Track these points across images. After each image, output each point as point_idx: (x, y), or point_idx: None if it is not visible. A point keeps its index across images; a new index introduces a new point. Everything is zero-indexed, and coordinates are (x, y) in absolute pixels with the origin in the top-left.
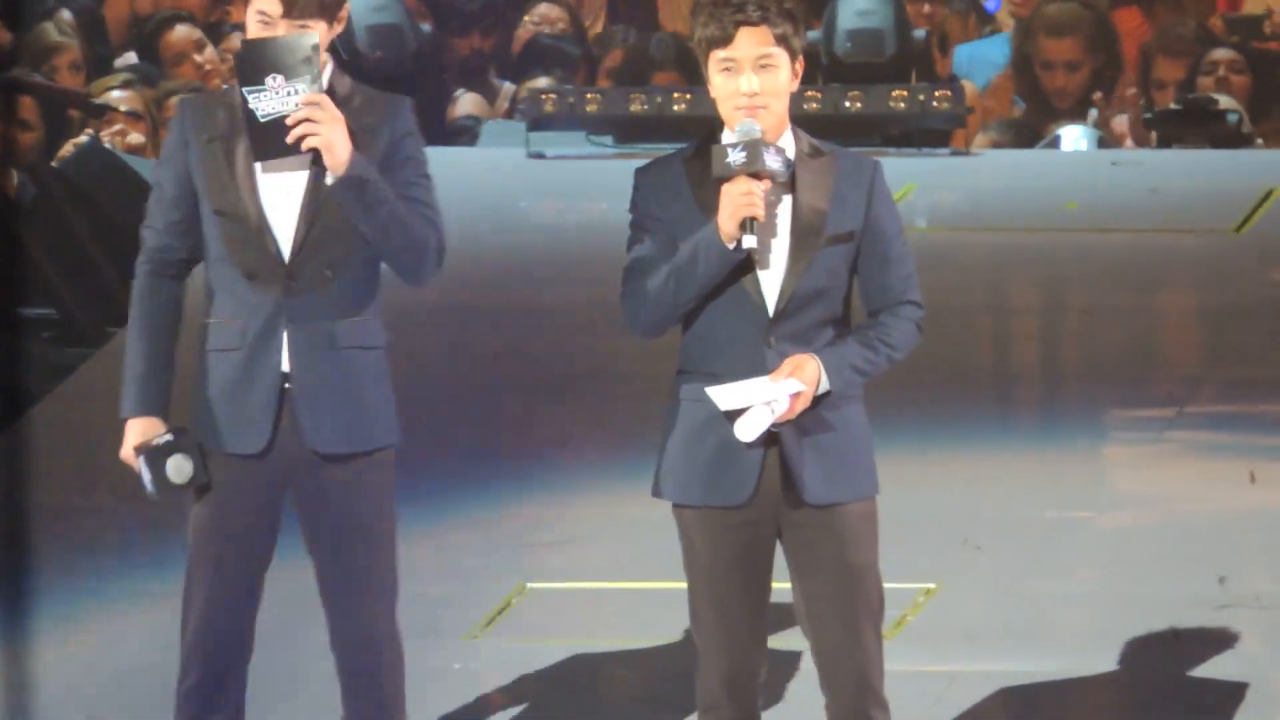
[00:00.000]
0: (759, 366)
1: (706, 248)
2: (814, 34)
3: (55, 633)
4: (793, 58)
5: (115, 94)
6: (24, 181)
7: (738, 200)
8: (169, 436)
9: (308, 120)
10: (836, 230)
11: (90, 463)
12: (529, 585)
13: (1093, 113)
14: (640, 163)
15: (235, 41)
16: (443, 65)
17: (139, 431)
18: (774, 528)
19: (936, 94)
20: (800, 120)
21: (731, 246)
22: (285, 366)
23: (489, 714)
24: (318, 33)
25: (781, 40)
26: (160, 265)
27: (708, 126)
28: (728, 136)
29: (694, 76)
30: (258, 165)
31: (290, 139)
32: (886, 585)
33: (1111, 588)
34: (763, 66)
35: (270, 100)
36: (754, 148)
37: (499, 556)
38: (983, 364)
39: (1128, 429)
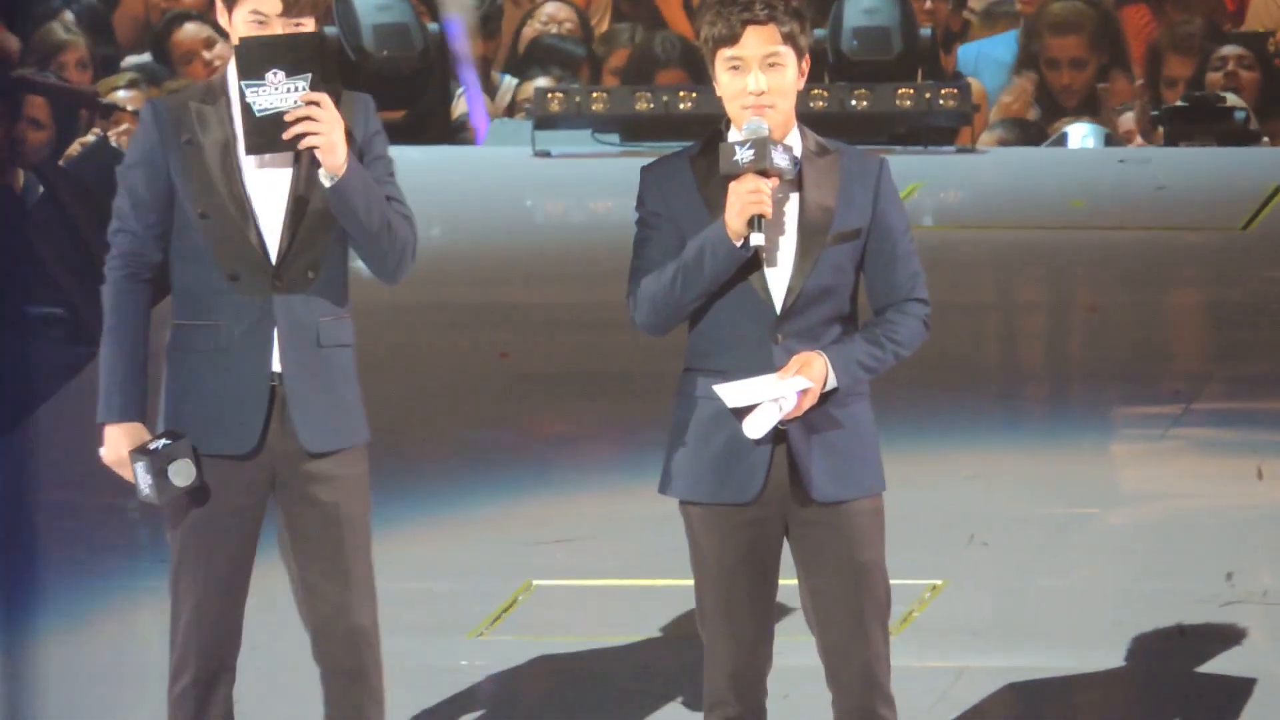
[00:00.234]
0: (766, 364)
1: (714, 245)
2: (820, 32)
3: (62, 631)
4: (799, 56)
5: (121, 94)
6: (31, 181)
7: (745, 198)
8: (166, 440)
9: (309, 119)
10: (843, 228)
11: (97, 461)
12: (535, 583)
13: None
14: (646, 161)
15: None
16: (449, 64)
17: (128, 436)
18: (781, 525)
19: (943, 92)
20: (806, 118)
21: (739, 244)
22: (276, 367)
23: (495, 711)
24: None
25: (788, 39)
26: (137, 269)
27: (714, 125)
28: (734, 135)
29: (699, 75)
30: (243, 166)
31: (288, 135)
32: (893, 582)
33: (1118, 584)
34: (770, 65)
35: (268, 95)
36: (762, 146)
37: (505, 554)
38: (989, 361)
39: (1134, 426)
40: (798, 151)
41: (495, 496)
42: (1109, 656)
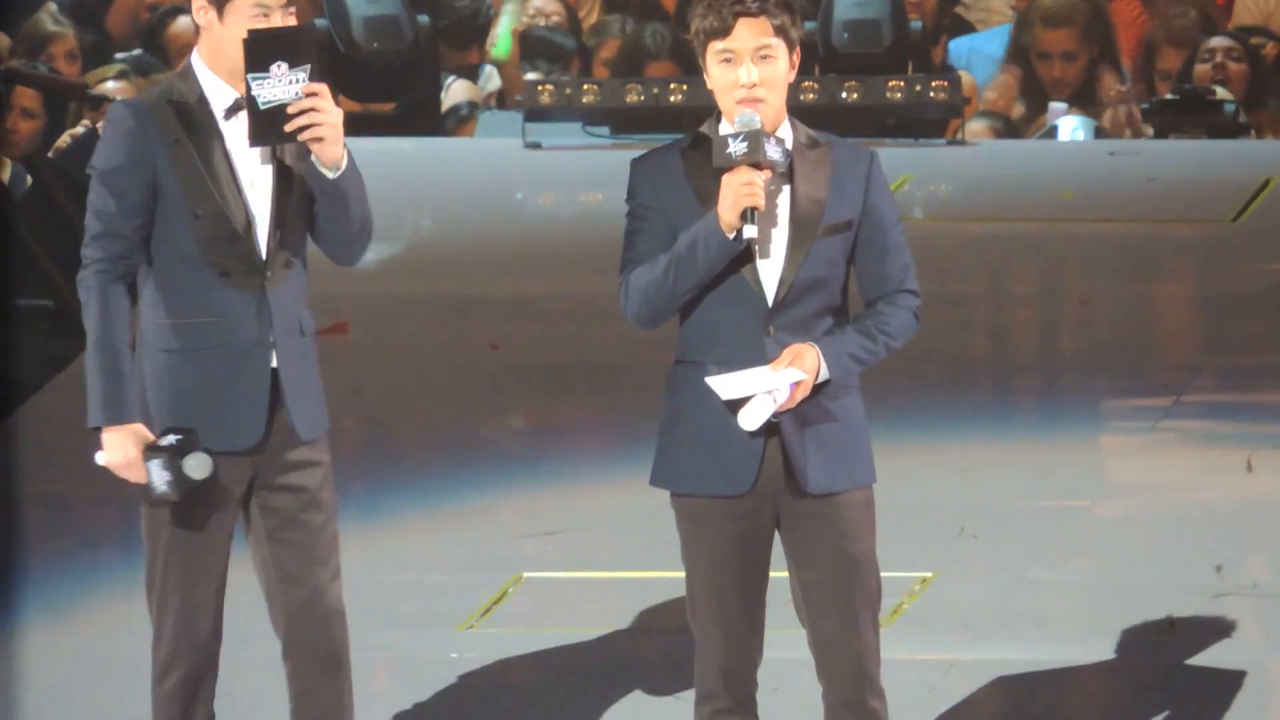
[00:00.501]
0: (758, 356)
1: (706, 238)
2: (811, 24)
3: (47, 623)
4: (790, 49)
5: (111, 84)
6: (18, 171)
7: (739, 190)
8: (176, 436)
9: (312, 110)
10: (835, 220)
11: (86, 454)
12: (526, 575)
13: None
14: (636, 153)
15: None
16: (439, 56)
17: (135, 437)
18: (773, 517)
19: (933, 84)
20: (797, 111)
21: (731, 236)
22: (274, 359)
23: (485, 703)
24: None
25: (780, 31)
26: (124, 272)
27: (704, 117)
28: (725, 127)
29: (690, 67)
30: (235, 163)
31: (290, 127)
32: (883, 574)
33: (1108, 576)
34: (762, 58)
35: (273, 88)
36: (755, 138)
37: (496, 546)
38: (979, 353)
39: (1125, 418)
40: (789, 144)
41: (485, 488)
42: (1099, 648)
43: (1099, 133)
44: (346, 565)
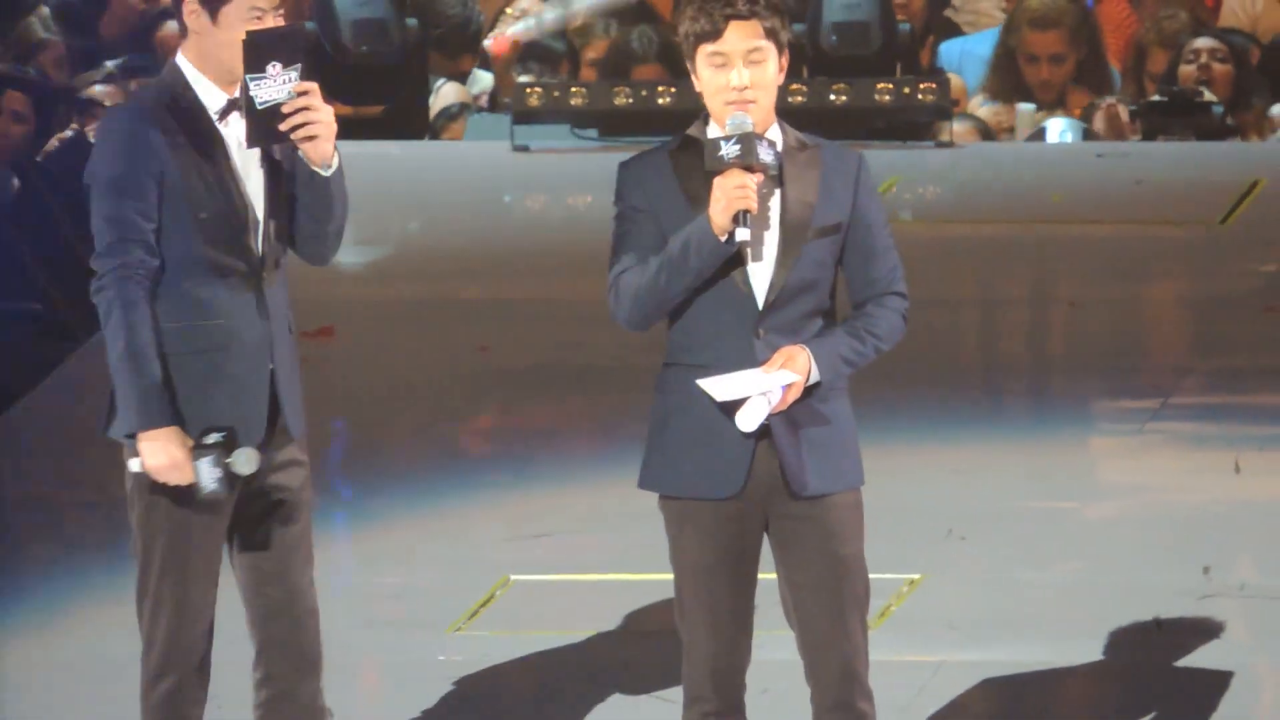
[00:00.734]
0: (748, 358)
1: (699, 240)
2: (799, 26)
3: (33, 627)
4: (780, 51)
5: (99, 88)
6: (6, 176)
7: (731, 193)
8: (220, 434)
9: (306, 109)
10: (824, 222)
11: (74, 458)
12: (513, 577)
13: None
14: (625, 156)
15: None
16: (427, 60)
17: (178, 438)
18: (762, 520)
19: (921, 87)
20: (786, 113)
21: (724, 239)
22: (270, 360)
23: (473, 706)
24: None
25: (770, 34)
26: (142, 275)
27: (693, 120)
28: (713, 130)
29: (677, 70)
30: (236, 164)
31: (285, 126)
32: (871, 576)
33: (1096, 578)
34: (752, 60)
35: (269, 88)
36: (748, 141)
37: (483, 549)
38: (967, 356)
39: (1113, 420)
40: (780, 146)
41: (473, 491)
42: (1087, 650)
43: (1087, 134)
44: (334, 568)
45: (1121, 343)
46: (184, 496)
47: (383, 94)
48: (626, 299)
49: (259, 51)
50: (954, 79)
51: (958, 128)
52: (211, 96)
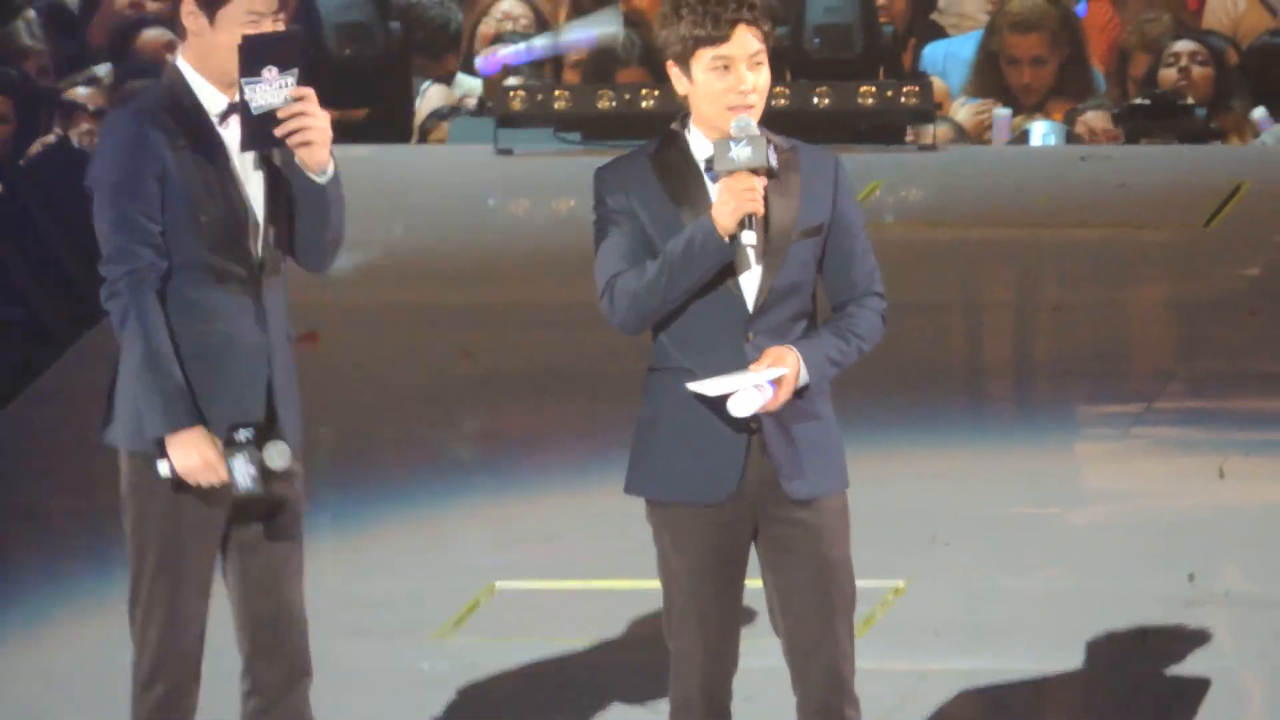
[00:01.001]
0: (737, 362)
1: (703, 242)
2: (782, 30)
3: (22, 636)
4: (769, 57)
5: (81, 91)
6: None
7: (740, 195)
8: (249, 429)
9: (301, 115)
10: (807, 224)
11: (60, 464)
12: (498, 584)
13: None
14: (608, 159)
15: None
16: (411, 63)
17: (207, 438)
18: (751, 525)
19: (904, 90)
20: (769, 116)
21: (727, 241)
22: (268, 366)
23: (458, 714)
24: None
25: (766, 39)
26: (153, 278)
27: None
28: (696, 134)
29: (660, 73)
30: (237, 168)
31: (281, 131)
32: (856, 582)
33: (1080, 584)
34: (755, 64)
35: (264, 93)
36: (758, 143)
37: (468, 556)
38: (951, 360)
39: (1097, 425)
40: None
41: (458, 497)
42: (1071, 657)
43: (1070, 137)
44: (319, 575)
45: (1105, 347)
46: (177, 503)
47: (367, 97)
48: (624, 301)
49: (254, 56)
50: (937, 82)
51: (941, 131)
52: (212, 99)
